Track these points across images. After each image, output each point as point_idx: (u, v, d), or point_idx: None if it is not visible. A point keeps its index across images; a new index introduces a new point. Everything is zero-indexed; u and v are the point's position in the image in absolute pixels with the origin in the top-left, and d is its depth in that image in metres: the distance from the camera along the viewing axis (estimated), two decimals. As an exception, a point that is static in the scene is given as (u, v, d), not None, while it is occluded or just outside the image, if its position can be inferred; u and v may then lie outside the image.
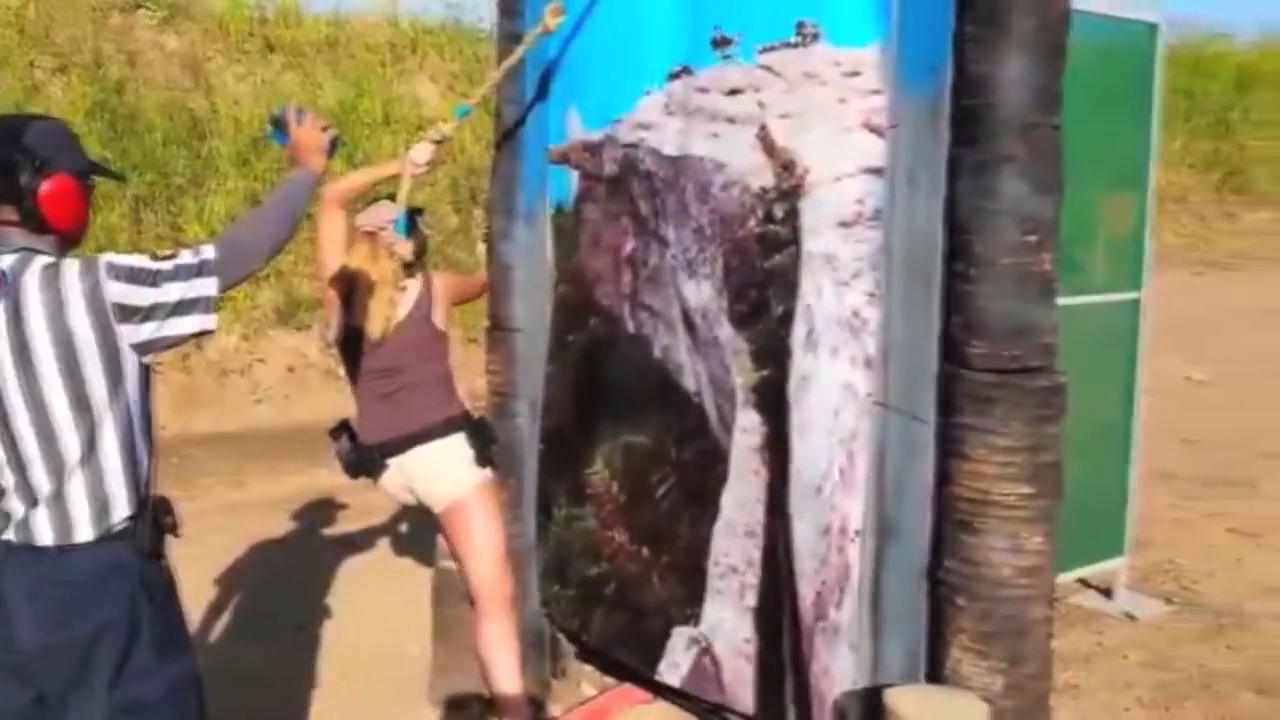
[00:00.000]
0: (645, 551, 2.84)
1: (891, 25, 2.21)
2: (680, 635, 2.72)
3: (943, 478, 2.10)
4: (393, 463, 2.83)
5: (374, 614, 3.73)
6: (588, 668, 3.29)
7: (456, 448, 2.82)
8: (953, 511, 2.06)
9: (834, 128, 2.33)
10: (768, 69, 2.48)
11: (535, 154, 3.10)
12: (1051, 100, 1.99)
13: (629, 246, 2.85)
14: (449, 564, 3.00)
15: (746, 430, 2.57)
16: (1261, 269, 14.95)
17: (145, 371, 1.82)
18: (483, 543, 2.84)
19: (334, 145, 2.17)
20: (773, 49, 2.46)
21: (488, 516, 2.86)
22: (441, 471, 2.83)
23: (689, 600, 2.70)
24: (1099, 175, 3.73)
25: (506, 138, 3.13)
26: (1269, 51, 20.45)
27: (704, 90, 2.62)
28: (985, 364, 2.02)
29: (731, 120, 2.57)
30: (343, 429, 2.89)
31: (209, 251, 1.82)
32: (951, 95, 2.06)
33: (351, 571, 4.21)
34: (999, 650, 2.00)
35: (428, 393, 2.85)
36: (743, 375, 2.56)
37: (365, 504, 4.68)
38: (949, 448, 2.07)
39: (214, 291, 1.81)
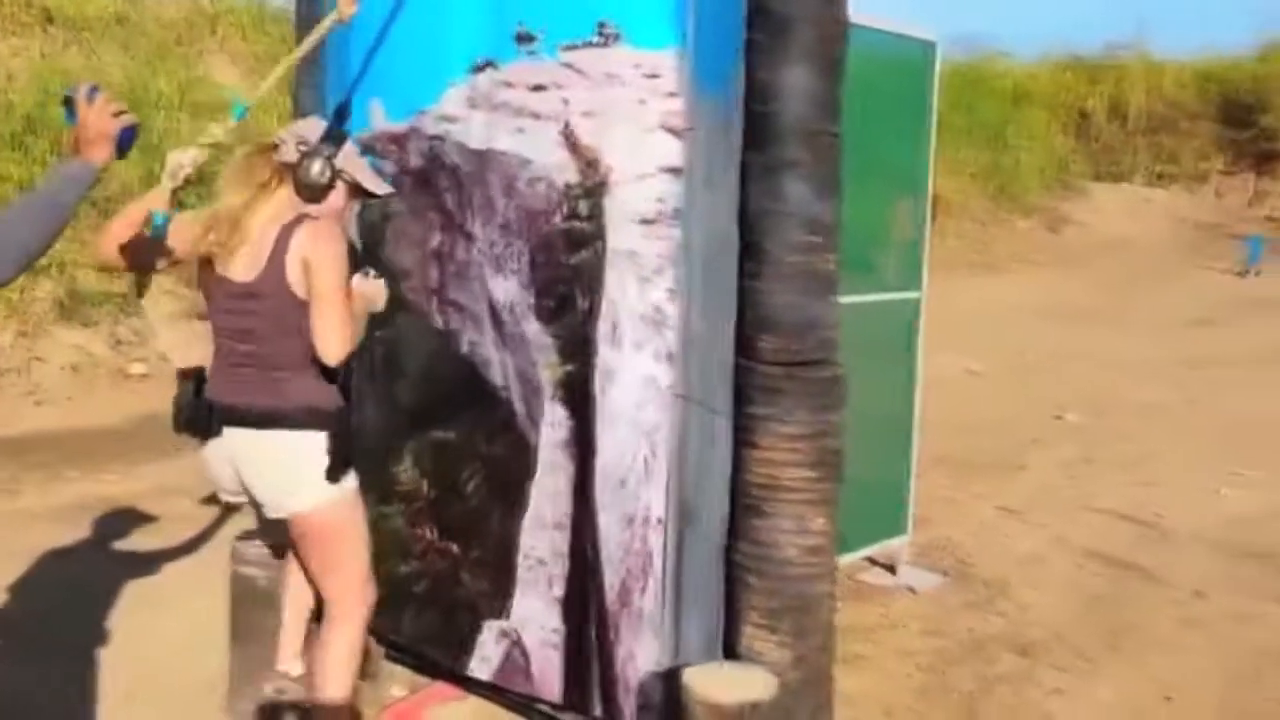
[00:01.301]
0: (455, 547, 2.84)
1: (688, 31, 2.31)
2: (490, 629, 2.73)
3: (737, 465, 2.21)
4: (230, 433, 2.36)
5: (163, 628, 3.51)
6: (399, 668, 3.24)
7: (312, 448, 2.34)
8: (745, 497, 2.18)
9: (635, 128, 2.40)
10: (570, 67, 2.53)
11: (338, 145, 3.03)
12: (831, 109, 2.13)
13: (435, 241, 2.84)
14: (247, 570, 2.87)
15: (553, 424, 2.62)
16: (1032, 271, 16.32)
17: None
18: (343, 559, 2.47)
19: (130, 136, 1.91)
20: (575, 47, 2.51)
21: (346, 534, 2.46)
22: (290, 475, 2.35)
23: (498, 594, 2.72)
24: (883, 181, 4.00)
25: (307, 128, 3.04)
26: (1039, 72, 22.32)
27: (508, 85, 2.64)
28: (774, 357, 2.14)
29: (536, 116, 2.60)
30: (194, 375, 2.45)
31: None
32: (743, 101, 2.18)
33: (139, 584, 3.92)
34: (786, 626, 2.14)
35: (292, 372, 2.34)
36: (549, 370, 2.61)
37: (157, 510, 4.43)
38: (742, 437, 2.19)
39: None
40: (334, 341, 2.30)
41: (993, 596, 4.03)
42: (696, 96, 2.30)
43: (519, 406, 2.68)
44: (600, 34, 2.47)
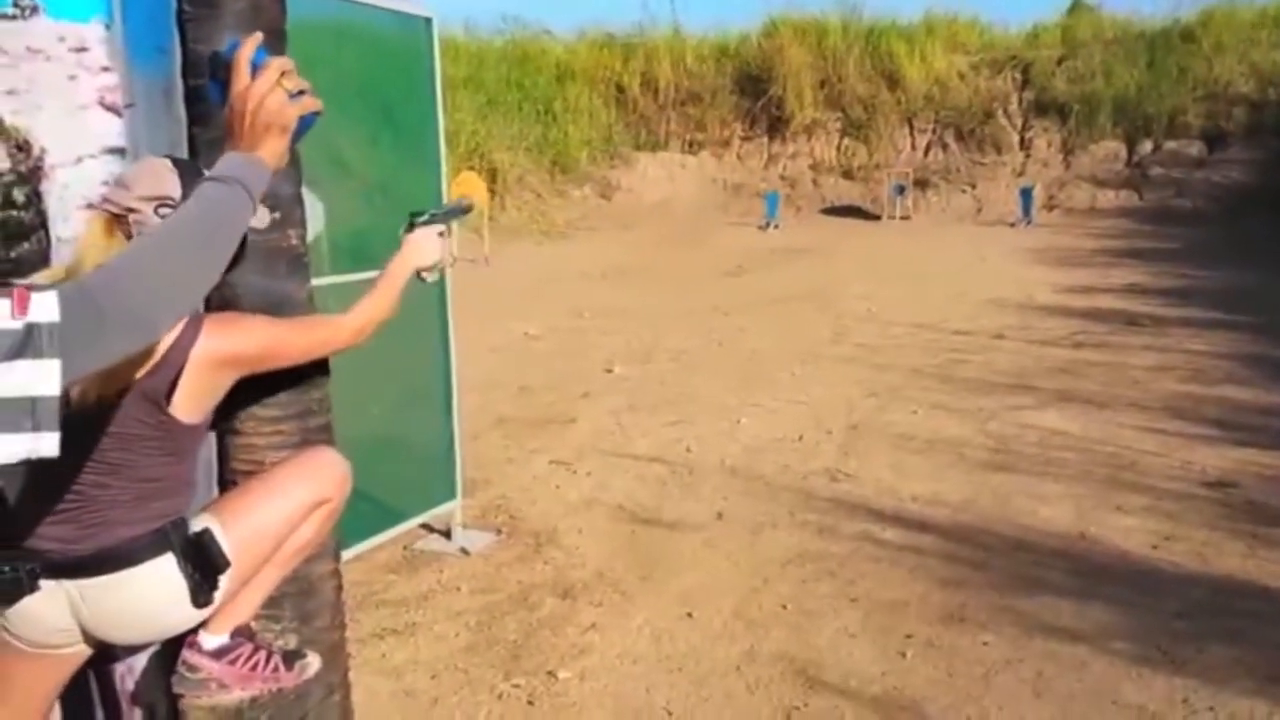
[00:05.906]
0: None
1: (114, 1, 2.15)
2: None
3: (221, 454, 2.12)
4: (51, 587, 1.76)
5: None
6: None
7: (167, 579, 1.80)
8: (231, 486, 2.09)
9: (68, 106, 2.19)
10: (-13, 41, 2.25)
11: None
12: (276, 82, 2.08)
13: None
14: None
15: None
16: (587, 236, 17.32)
17: None
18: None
19: (308, 121, 1.46)
20: (-11, 19, 2.24)
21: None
22: (147, 621, 1.86)
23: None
24: (394, 152, 4.02)
25: None
26: (579, 49, 23.56)
27: (-83, 62, 2.30)
28: (243, 339, 2.06)
29: (-47, 97, 2.30)
30: None
31: (47, 305, 0.95)
32: (182, 74, 2.07)
33: None
34: (289, 611, 2.09)
35: (134, 501, 1.81)
36: None
37: None
38: (223, 426, 2.10)
39: (51, 388, 0.97)
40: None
41: (541, 546, 4.25)
42: (132, 71, 2.15)
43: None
44: (17, 5, 2.22)
